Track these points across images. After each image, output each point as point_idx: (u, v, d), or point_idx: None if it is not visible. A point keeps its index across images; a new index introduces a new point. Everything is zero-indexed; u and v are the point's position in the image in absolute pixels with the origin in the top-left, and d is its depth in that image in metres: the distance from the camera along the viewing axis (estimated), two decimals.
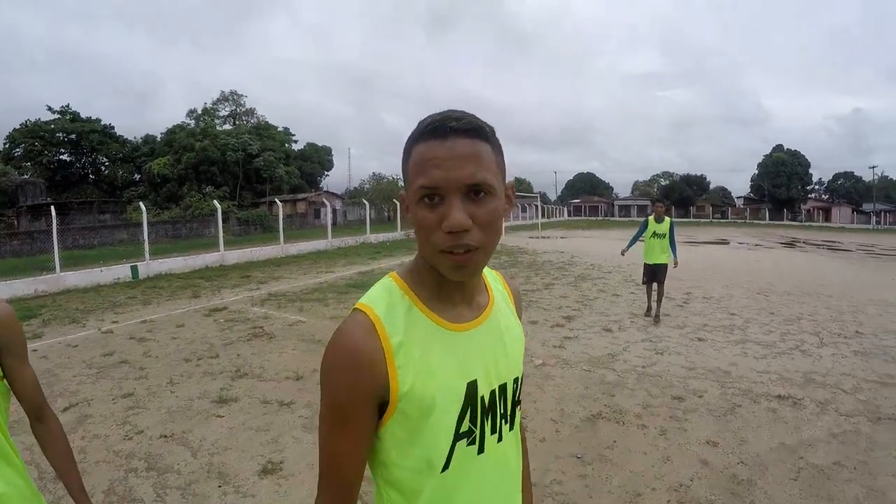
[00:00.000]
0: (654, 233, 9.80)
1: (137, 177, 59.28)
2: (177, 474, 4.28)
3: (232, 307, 11.26)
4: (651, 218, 9.98)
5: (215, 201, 22.31)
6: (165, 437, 4.97)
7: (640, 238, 10.14)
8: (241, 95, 63.86)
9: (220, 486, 4.11)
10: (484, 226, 1.00)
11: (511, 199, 1.12)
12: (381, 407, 1.06)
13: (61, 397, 6.27)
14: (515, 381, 1.21)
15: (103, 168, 60.44)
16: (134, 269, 16.85)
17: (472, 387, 1.11)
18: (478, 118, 1.05)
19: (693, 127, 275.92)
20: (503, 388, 1.17)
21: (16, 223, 41.87)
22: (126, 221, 38.02)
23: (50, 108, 56.40)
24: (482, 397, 1.12)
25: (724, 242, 33.05)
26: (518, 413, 1.23)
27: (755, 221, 74.15)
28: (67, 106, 57.09)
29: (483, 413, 1.13)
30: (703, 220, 77.78)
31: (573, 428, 4.96)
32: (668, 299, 10.93)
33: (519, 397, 1.22)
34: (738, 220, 75.85)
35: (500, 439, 1.16)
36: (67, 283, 15.48)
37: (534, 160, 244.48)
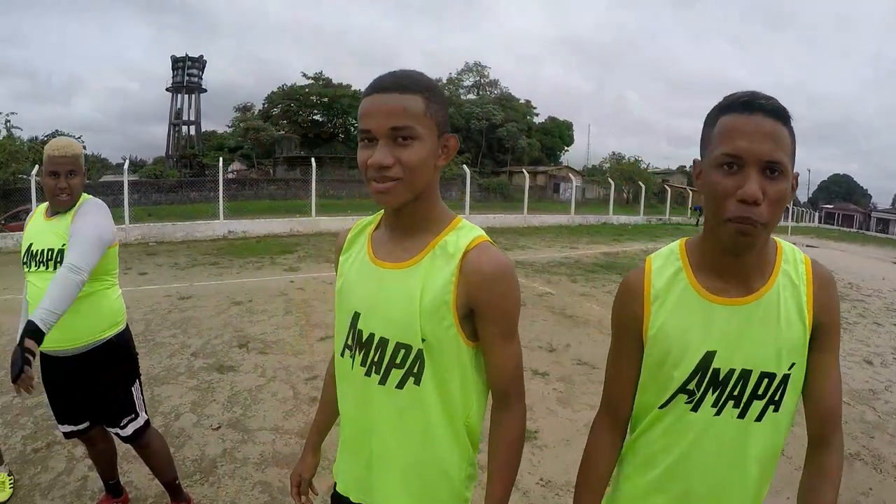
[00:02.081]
0: None
1: None
2: None
3: None
4: None
5: (464, 166, 23.09)
6: None
7: None
8: (485, 67, 65.57)
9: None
10: (773, 203, 1.08)
11: (795, 188, 1.17)
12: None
13: (318, 328, 6.65)
14: (764, 374, 1.19)
15: (352, 129, 65.56)
16: None
17: (709, 356, 1.21)
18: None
19: None
20: (746, 373, 1.19)
21: (272, 171, 46.87)
22: None
23: (304, 74, 62.58)
24: (717, 369, 1.20)
25: None
26: (762, 409, 1.21)
27: None
28: (321, 73, 62.91)
29: (712, 383, 1.21)
30: None
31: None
32: None
33: (773, 395, 1.20)
34: None
35: (717, 413, 1.21)
36: (321, 227, 16.94)
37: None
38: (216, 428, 4.09)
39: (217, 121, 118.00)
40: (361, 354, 1.31)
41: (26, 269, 2.50)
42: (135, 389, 2.69)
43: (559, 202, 41.89)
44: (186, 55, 62.81)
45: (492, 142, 54.37)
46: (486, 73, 65.29)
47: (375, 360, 1.28)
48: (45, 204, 2.60)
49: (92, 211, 2.48)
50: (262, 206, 25.22)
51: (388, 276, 1.29)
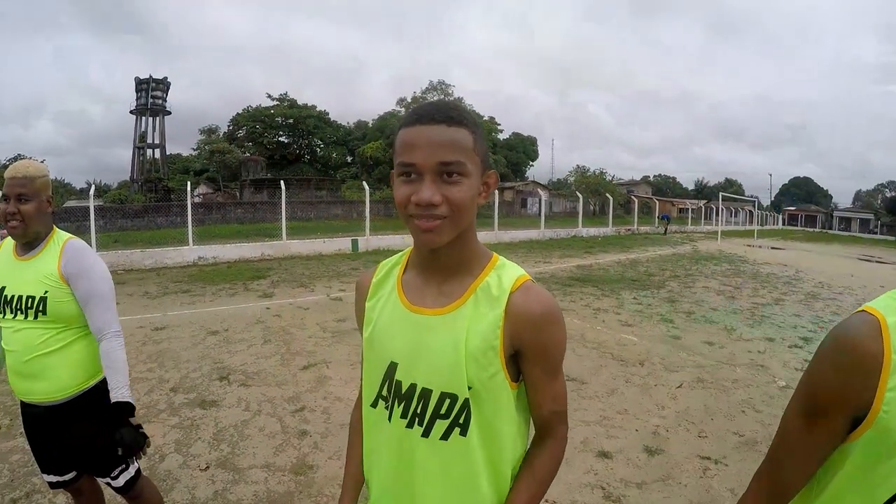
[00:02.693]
0: None
1: (350, 159, 64.10)
2: None
3: None
4: None
5: None
6: None
7: None
8: (449, 85, 65.98)
9: None
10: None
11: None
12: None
13: (299, 356, 6.52)
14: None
15: (318, 150, 66.28)
16: (354, 243, 17.92)
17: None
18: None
19: None
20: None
21: (238, 195, 46.59)
22: (340, 199, 41.10)
23: (269, 96, 63.35)
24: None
25: None
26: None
27: None
28: (285, 94, 63.76)
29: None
30: None
31: None
32: None
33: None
34: None
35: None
36: (292, 250, 16.79)
37: (744, 160, 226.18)
38: (204, 468, 3.93)
39: (182, 143, 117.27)
40: (402, 406, 1.24)
41: None
42: None
43: (528, 217, 42.43)
44: (150, 77, 62.17)
45: None
46: (450, 92, 65.73)
47: (418, 411, 1.22)
48: (10, 239, 2.40)
49: (90, 262, 2.33)
50: (230, 231, 24.89)
51: (428, 323, 1.22)
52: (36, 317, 2.23)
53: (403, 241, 19.25)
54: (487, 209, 24.95)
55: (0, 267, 2.35)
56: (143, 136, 62.20)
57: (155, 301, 9.92)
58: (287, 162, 62.32)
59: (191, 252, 15.45)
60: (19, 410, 2.49)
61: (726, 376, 5.96)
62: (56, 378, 2.28)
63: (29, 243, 2.30)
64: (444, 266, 1.25)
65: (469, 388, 1.18)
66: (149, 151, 62.52)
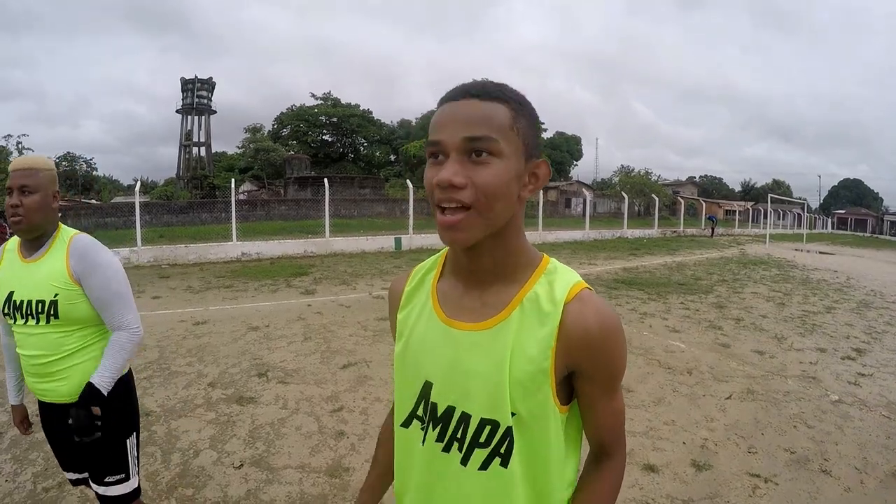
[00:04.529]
0: None
1: (393, 157, 64.65)
2: None
3: None
4: None
5: None
6: None
7: None
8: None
9: None
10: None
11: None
12: None
13: (339, 354, 6.44)
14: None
15: (362, 148, 67.09)
16: (397, 241, 17.96)
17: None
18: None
19: None
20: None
21: (282, 192, 47.22)
22: (384, 197, 41.43)
23: (313, 95, 65.23)
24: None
25: None
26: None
27: None
28: (329, 93, 65.50)
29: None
30: None
31: (878, 482, 3.98)
32: None
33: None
34: None
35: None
36: (335, 248, 16.87)
37: (792, 161, 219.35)
38: (238, 466, 3.87)
39: (227, 141, 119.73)
40: (438, 429, 1.11)
41: (9, 321, 2.21)
42: (129, 444, 2.38)
43: (572, 217, 42.15)
44: (196, 77, 63.78)
45: None
46: None
47: (458, 436, 1.09)
48: (15, 239, 2.28)
49: (101, 258, 2.20)
50: (274, 227, 25.22)
51: (466, 339, 1.08)
52: (48, 321, 2.13)
53: None
54: (532, 208, 24.80)
55: (6, 270, 2.23)
56: (188, 135, 63.85)
57: (197, 296, 10.01)
58: (331, 160, 63.19)
59: (234, 248, 15.66)
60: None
61: (777, 388, 5.68)
62: (76, 380, 2.19)
63: (34, 243, 2.19)
64: (484, 271, 1.09)
65: (513, 416, 1.04)
66: (194, 149, 64.13)
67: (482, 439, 1.06)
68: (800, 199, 61.27)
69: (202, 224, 29.15)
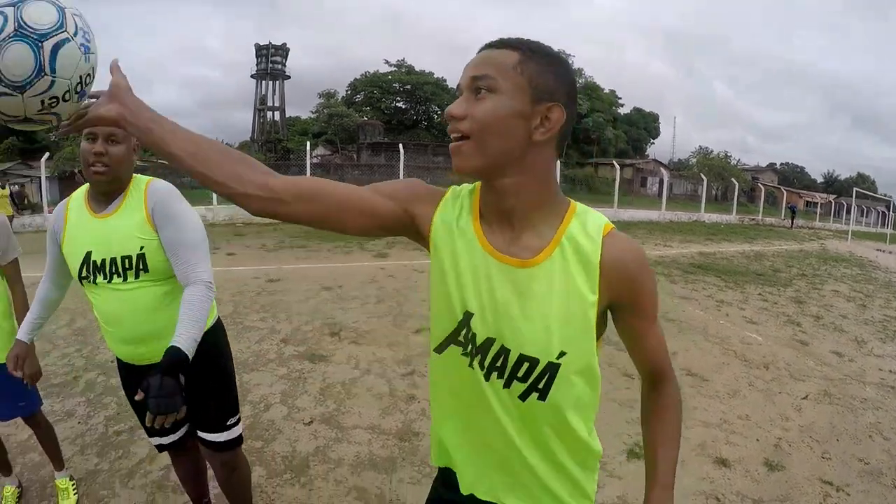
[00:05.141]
0: None
1: None
2: None
3: None
4: None
5: None
6: None
7: None
8: (569, 55, 65.28)
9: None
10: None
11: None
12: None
13: (412, 318, 6.48)
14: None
15: (435, 116, 66.97)
16: None
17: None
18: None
19: None
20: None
21: (355, 157, 47.75)
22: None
23: (387, 62, 64.83)
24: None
25: None
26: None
27: None
28: (403, 60, 64.94)
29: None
30: None
31: None
32: None
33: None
34: None
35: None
36: None
37: (880, 154, 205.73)
38: (308, 423, 3.84)
39: (300, 107, 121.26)
40: (479, 357, 1.17)
41: (87, 284, 2.05)
42: (234, 386, 2.34)
43: (647, 196, 41.14)
44: (269, 43, 64.78)
45: (577, 132, 54.47)
46: (569, 62, 65.62)
47: (496, 366, 1.15)
48: (81, 192, 2.11)
49: (178, 207, 2.05)
50: None
51: (508, 274, 1.13)
52: (137, 276, 2.00)
53: None
54: (607, 185, 24.25)
55: (77, 228, 2.07)
56: (263, 100, 65.07)
57: (271, 254, 10.17)
58: (404, 127, 63.45)
59: None
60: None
61: (855, 394, 5.26)
62: (169, 336, 1.96)
63: (108, 196, 2.03)
64: (513, 212, 1.13)
65: (559, 355, 1.11)
66: (269, 114, 65.17)
67: (520, 374, 1.13)
68: (885, 195, 58.01)
69: None
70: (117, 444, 3.47)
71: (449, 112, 1.08)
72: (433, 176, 34.95)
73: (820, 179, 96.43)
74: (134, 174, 2.08)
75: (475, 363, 1.17)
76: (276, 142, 58.01)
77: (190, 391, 2.11)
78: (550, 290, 1.10)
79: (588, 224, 1.12)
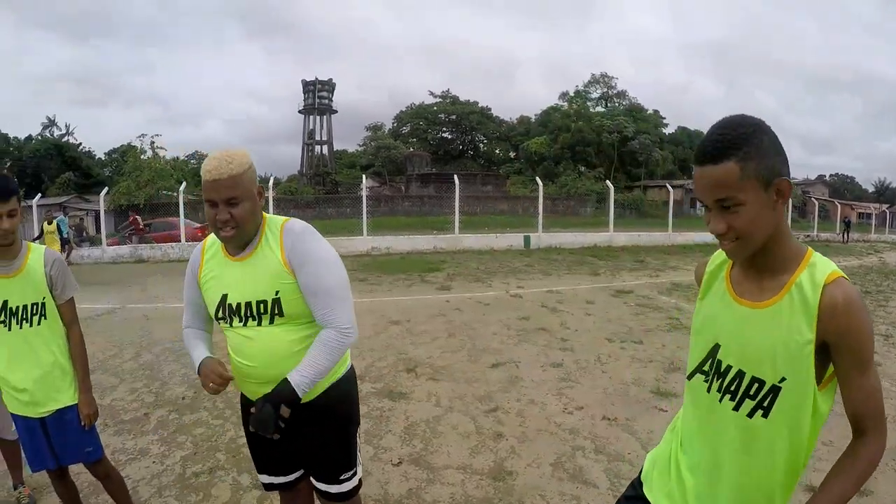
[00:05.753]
0: None
1: (513, 154, 64.60)
2: (629, 465, 3.76)
3: (637, 291, 10.80)
4: None
5: (608, 182, 23.01)
6: (608, 419, 4.52)
7: None
8: (612, 77, 65.50)
9: None
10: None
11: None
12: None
13: (486, 353, 6.37)
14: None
15: (481, 145, 67.51)
16: (526, 239, 17.90)
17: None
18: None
19: None
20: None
21: (404, 188, 48.22)
22: (506, 194, 41.62)
23: (432, 93, 66.54)
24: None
25: None
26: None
27: None
28: (447, 91, 66.22)
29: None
30: None
31: None
32: None
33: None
34: None
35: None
36: (464, 245, 17.02)
37: None
38: (397, 463, 3.78)
39: (347, 140, 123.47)
40: (719, 381, 1.46)
41: (224, 325, 2.06)
42: (357, 437, 2.28)
43: (697, 217, 40.19)
44: (316, 78, 66.11)
45: (623, 155, 54.59)
46: (612, 84, 65.53)
47: (731, 388, 1.43)
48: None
49: (314, 248, 2.02)
50: (399, 223, 25.80)
51: (748, 314, 1.41)
52: (272, 321, 1.99)
53: (575, 239, 19.14)
54: (656, 208, 23.86)
55: (214, 271, 2.08)
56: (311, 134, 66.31)
57: None
58: (451, 157, 64.06)
59: (364, 242, 16.08)
60: (239, 406, 2.31)
61: None
62: None
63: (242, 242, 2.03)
64: (760, 265, 1.41)
65: (783, 380, 1.33)
66: (317, 148, 66.33)
67: (751, 392, 1.39)
68: None
69: (328, 218, 30.24)
70: (196, 486, 3.45)
71: (715, 231, 1.33)
72: (482, 205, 35.02)
73: (871, 189, 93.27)
74: (266, 215, 2.06)
75: (714, 388, 1.47)
76: (324, 175, 58.98)
77: (309, 437, 2.12)
78: (779, 327, 1.33)
79: (816, 273, 1.32)
